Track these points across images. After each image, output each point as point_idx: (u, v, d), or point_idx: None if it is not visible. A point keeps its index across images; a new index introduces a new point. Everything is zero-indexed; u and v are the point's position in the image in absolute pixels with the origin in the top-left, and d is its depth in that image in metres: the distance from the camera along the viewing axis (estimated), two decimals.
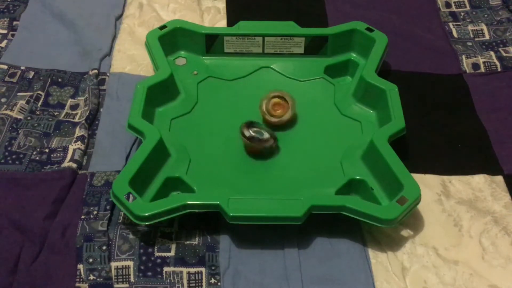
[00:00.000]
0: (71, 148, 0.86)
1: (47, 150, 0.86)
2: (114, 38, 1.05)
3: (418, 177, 0.78)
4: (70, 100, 0.95)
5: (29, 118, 0.91)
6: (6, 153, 0.86)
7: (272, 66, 0.97)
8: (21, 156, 0.85)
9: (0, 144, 0.87)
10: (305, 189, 0.79)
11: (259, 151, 0.84)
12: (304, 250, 0.76)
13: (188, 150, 0.84)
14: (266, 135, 0.82)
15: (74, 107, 0.94)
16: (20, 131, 0.88)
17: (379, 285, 0.73)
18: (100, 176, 0.83)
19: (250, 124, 0.83)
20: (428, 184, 0.83)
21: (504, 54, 1.02)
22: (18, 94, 0.94)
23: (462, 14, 1.11)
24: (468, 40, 1.06)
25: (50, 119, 0.91)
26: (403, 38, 1.05)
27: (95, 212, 0.79)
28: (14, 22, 1.08)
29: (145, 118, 0.83)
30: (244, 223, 0.74)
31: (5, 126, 0.89)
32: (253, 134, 0.82)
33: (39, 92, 0.94)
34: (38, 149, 0.86)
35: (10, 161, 0.85)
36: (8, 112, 0.91)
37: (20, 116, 0.91)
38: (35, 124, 0.89)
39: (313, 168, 0.83)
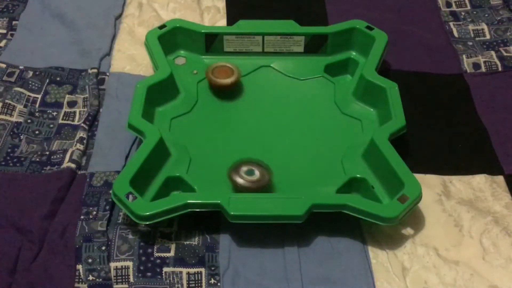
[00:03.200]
0: (70, 150, 0.86)
1: (47, 153, 0.86)
2: (113, 37, 1.05)
3: (418, 177, 0.78)
4: (67, 96, 0.94)
5: (29, 121, 0.91)
6: (8, 158, 0.86)
7: (272, 65, 0.97)
8: (22, 159, 0.85)
9: (1, 149, 0.87)
10: (306, 188, 0.78)
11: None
12: (304, 250, 0.76)
13: (189, 150, 0.83)
14: (257, 173, 0.78)
15: (72, 104, 0.93)
16: (22, 136, 0.88)
17: (379, 286, 0.73)
18: (99, 176, 0.83)
19: (238, 167, 0.78)
20: (429, 184, 0.83)
21: (505, 54, 1.02)
22: (15, 89, 0.94)
23: (463, 13, 1.11)
24: (469, 40, 1.05)
25: (51, 125, 0.90)
26: (403, 38, 1.05)
27: (94, 213, 0.78)
28: (14, 22, 1.07)
29: (145, 117, 0.83)
30: (245, 222, 0.74)
31: (5, 131, 0.89)
32: (244, 178, 0.77)
33: (36, 94, 0.94)
34: (39, 153, 0.86)
35: (11, 164, 0.85)
36: (8, 117, 0.90)
37: (20, 119, 0.91)
38: (37, 132, 0.89)
39: (314, 167, 0.83)
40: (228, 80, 0.90)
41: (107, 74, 0.98)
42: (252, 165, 0.79)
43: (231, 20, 1.08)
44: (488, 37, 1.06)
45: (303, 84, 0.95)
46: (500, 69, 1.00)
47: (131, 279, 0.73)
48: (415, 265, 0.75)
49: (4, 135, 0.88)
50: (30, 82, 0.96)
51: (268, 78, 0.96)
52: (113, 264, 0.74)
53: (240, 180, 0.77)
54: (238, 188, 0.77)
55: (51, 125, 0.91)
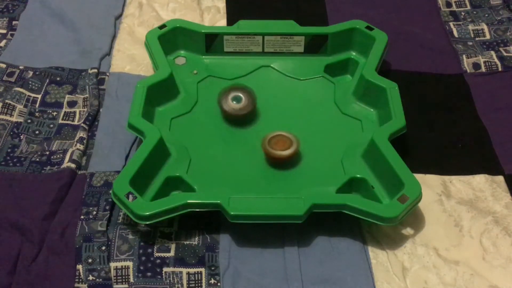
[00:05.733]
0: (70, 150, 0.86)
1: (47, 153, 0.86)
2: (113, 37, 1.05)
3: (418, 177, 0.78)
4: (67, 96, 0.94)
5: (29, 121, 0.91)
6: (8, 158, 0.86)
7: (272, 65, 0.97)
8: (22, 159, 0.85)
9: (1, 149, 0.87)
10: (306, 188, 0.78)
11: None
12: (304, 250, 0.76)
13: (189, 150, 0.83)
14: (244, 100, 0.86)
15: (72, 104, 0.93)
16: (22, 136, 0.88)
17: (379, 286, 0.73)
18: (99, 176, 0.83)
19: (228, 92, 0.86)
20: (429, 184, 0.83)
21: (505, 54, 1.02)
22: (15, 89, 0.94)
23: (463, 13, 1.11)
24: (469, 40, 1.05)
25: (51, 125, 0.90)
26: (404, 38, 1.05)
27: (95, 213, 0.78)
28: (14, 22, 1.07)
29: (145, 117, 0.83)
30: (245, 222, 0.74)
31: (5, 130, 0.89)
32: (230, 105, 0.85)
33: (36, 94, 0.94)
34: (39, 153, 0.86)
35: (11, 164, 0.85)
36: (8, 117, 0.90)
37: (20, 119, 0.91)
38: (37, 132, 0.89)
39: (314, 167, 0.83)
40: (287, 153, 0.81)
41: (107, 74, 0.98)
42: (240, 91, 0.87)
43: (231, 20, 1.08)
44: (488, 37, 1.06)
45: (303, 84, 0.95)
46: (500, 69, 1.00)
47: (131, 279, 0.73)
48: (415, 265, 0.75)
49: (4, 135, 0.88)
50: (30, 82, 0.96)
51: (268, 78, 0.96)
52: (113, 264, 0.74)
53: (226, 107, 0.86)
54: (224, 112, 0.87)
55: (51, 125, 0.91)
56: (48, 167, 0.84)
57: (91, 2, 1.11)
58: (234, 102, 0.85)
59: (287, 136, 0.83)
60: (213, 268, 0.74)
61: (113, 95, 0.95)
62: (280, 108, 0.91)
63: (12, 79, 0.97)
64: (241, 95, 0.86)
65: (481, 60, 1.01)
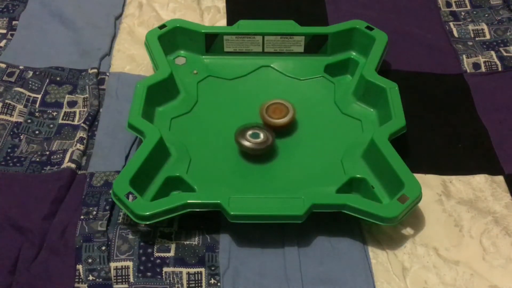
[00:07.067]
0: (70, 150, 0.86)
1: (47, 153, 0.86)
2: (113, 37, 1.05)
3: (418, 177, 0.78)
4: (67, 96, 0.94)
5: (29, 121, 0.91)
6: (8, 158, 0.86)
7: (272, 65, 0.97)
8: (22, 159, 0.85)
9: (1, 149, 0.87)
10: (306, 188, 0.78)
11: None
12: (304, 250, 0.76)
13: (189, 150, 0.83)
14: (262, 136, 0.82)
15: (72, 104, 0.94)
16: (22, 136, 0.88)
17: (379, 286, 0.73)
18: (99, 176, 0.83)
19: (244, 130, 0.83)
20: (429, 184, 0.83)
21: (505, 54, 1.02)
22: (15, 89, 0.94)
23: (463, 13, 1.11)
24: (469, 40, 1.06)
25: (51, 126, 0.90)
26: (404, 38, 1.05)
27: (95, 213, 0.78)
28: (13, 22, 1.08)
29: (145, 117, 0.83)
30: (245, 222, 0.74)
31: (5, 130, 0.89)
32: (250, 141, 0.82)
33: (36, 94, 0.94)
34: (39, 153, 0.86)
35: (11, 164, 0.85)
36: (8, 117, 0.90)
37: (20, 119, 0.91)
38: (37, 132, 0.89)
39: (314, 167, 0.83)
40: (284, 120, 0.85)
41: (107, 74, 0.98)
42: (256, 128, 0.83)
43: (231, 20, 1.08)
44: (488, 37, 1.06)
45: (303, 84, 0.95)
46: (500, 69, 1.00)
47: (131, 279, 0.73)
48: (415, 265, 0.75)
49: (4, 135, 0.88)
50: (30, 82, 0.96)
51: (268, 78, 0.96)
52: (113, 264, 0.74)
53: (247, 143, 0.81)
54: (245, 150, 0.82)
55: (51, 125, 0.91)
56: (48, 167, 0.84)
57: (91, 2, 1.11)
58: (253, 138, 0.82)
59: (284, 104, 0.86)
60: (213, 268, 0.74)
61: (113, 95, 0.95)
62: None
63: (12, 79, 0.97)
64: (259, 132, 0.83)
65: (481, 60, 1.01)
